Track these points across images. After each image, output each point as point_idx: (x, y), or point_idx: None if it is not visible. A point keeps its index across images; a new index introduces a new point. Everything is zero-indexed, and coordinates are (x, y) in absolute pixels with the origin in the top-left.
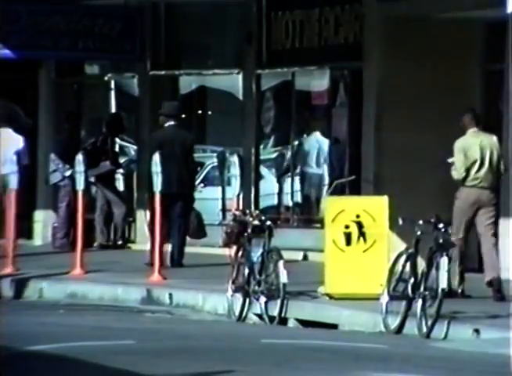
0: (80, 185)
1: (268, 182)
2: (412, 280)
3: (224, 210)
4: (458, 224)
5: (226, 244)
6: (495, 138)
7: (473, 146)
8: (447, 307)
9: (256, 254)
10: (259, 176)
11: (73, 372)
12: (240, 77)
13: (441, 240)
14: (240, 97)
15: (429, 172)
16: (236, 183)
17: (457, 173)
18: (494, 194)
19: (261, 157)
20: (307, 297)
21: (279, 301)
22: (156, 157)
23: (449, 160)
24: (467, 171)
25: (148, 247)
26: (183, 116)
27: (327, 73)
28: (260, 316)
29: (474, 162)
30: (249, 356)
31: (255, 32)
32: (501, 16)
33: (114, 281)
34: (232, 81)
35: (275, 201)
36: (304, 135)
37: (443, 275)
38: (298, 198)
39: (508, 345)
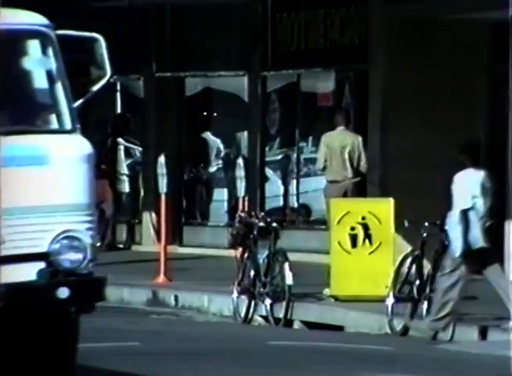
0: None
1: (274, 184)
2: (417, 282)
3: (230, 212)
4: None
5: (232, 246)
6: (360, 138)
7: (336, 142)
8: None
9: (262, 256)
10: (264, 178)
11: (79, 374)
12: (246, 78)
13: (446, 242)
14: (246, 99)
15: (435, 174)
16: (241, 185)
17: (318, 163)
18: (355, 187)
19: (267, 159)
20: (312, 299)
21: (284, 303)
22: (162, 159)
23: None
24: (329, 165)
25: None
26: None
27: (333, 74)
28: (265, 318)
29: (335, 157)
30: (254, 357)
31: (261, 34)
32: (505, 18)
33: (120, 283)
34: (238, 83)
35: (280, 203)
36: (310, 137)
37: None
38: (304, 200)
39: None
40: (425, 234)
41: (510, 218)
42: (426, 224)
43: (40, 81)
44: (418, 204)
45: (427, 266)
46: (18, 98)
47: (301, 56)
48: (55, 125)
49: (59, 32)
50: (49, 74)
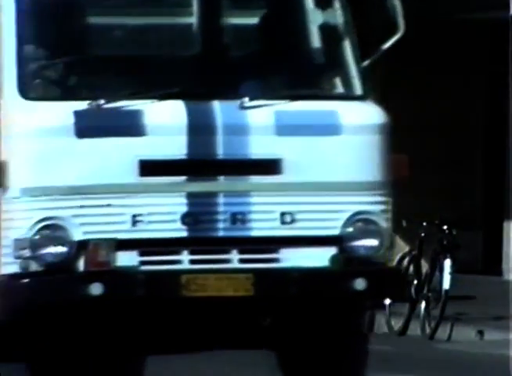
0: None
1: None
2: (415, 281)
3: None
4: None
5: None
6: None
7: None
8: (451, 308)
9: None
10: None
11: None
12: None
13: (445, 242)
14: None
15: (433, 173)
16: None
17: None
18: None
19: None
20: None
21: None
22: None
23: None
24: None
25: None
26: None
27: None
28: None
29: None
30: (252, 357)
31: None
32: (505, 18)
33: None
34: None
35: None
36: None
37: (447, 276)
38: None
39: None
40: (423, 234)
41: (510, 219)
42: (424, 224)
43: (325, 38)
44: (416, 203)
45: (424, 266)
46: (300, 58)
47: None
48: (343, 90)
49: None
50: (336, 29)
